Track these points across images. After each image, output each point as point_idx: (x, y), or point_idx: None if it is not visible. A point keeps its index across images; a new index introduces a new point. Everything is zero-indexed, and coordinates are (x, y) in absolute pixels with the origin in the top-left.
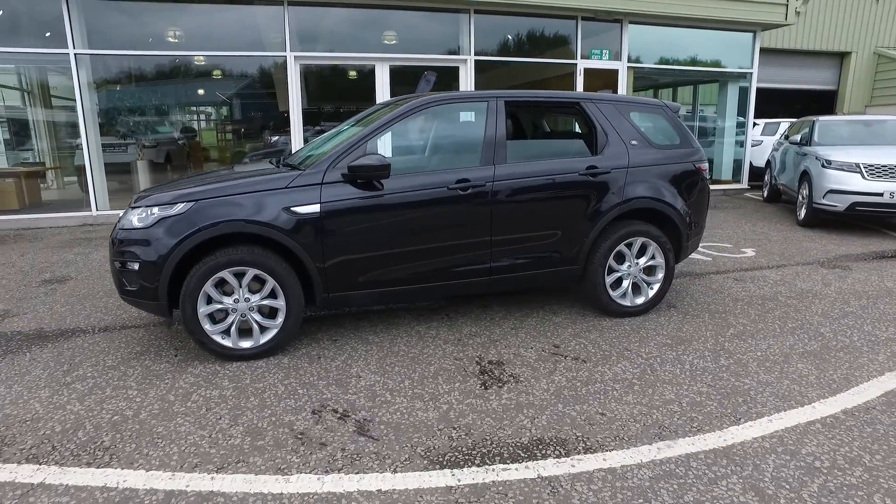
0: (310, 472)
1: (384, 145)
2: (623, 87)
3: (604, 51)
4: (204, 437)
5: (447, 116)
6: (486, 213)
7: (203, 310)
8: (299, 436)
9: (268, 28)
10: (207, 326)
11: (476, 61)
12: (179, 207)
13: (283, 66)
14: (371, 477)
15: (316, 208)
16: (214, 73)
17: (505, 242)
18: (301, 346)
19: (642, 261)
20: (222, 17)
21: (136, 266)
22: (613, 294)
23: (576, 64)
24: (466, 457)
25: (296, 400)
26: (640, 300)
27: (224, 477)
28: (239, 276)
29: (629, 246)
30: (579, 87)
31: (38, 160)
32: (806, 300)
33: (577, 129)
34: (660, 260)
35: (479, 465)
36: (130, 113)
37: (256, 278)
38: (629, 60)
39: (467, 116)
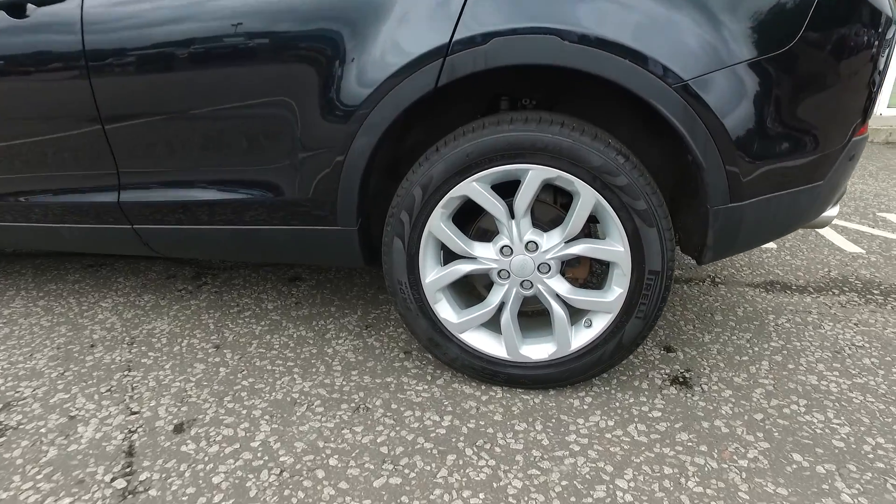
0: None
1: None
2: None
3: None
4: None
5: None
6: (79, 72)
7: None
8: None
9: None
10: None
11: None
12: None
13: None
14: None
15: None
16: None
17: (143, 153)
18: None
19: (553, 238)
20: None
21: None
22: (450, 319)
23: None
24: None
25: None
26: (541, 351)
27: None
28: None
29: (503, 190)
30: None
31: None
32: None
33: None
34: (616, 246)
35: None
36: None
37: None
38: None
39: None
